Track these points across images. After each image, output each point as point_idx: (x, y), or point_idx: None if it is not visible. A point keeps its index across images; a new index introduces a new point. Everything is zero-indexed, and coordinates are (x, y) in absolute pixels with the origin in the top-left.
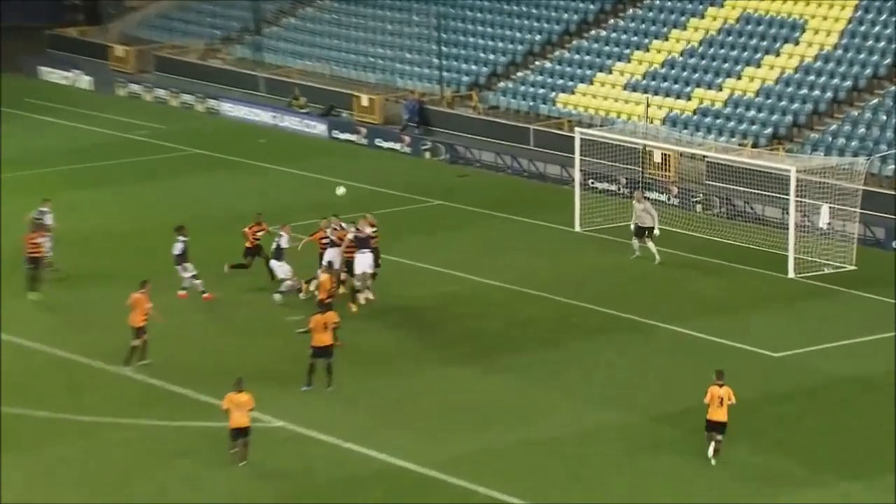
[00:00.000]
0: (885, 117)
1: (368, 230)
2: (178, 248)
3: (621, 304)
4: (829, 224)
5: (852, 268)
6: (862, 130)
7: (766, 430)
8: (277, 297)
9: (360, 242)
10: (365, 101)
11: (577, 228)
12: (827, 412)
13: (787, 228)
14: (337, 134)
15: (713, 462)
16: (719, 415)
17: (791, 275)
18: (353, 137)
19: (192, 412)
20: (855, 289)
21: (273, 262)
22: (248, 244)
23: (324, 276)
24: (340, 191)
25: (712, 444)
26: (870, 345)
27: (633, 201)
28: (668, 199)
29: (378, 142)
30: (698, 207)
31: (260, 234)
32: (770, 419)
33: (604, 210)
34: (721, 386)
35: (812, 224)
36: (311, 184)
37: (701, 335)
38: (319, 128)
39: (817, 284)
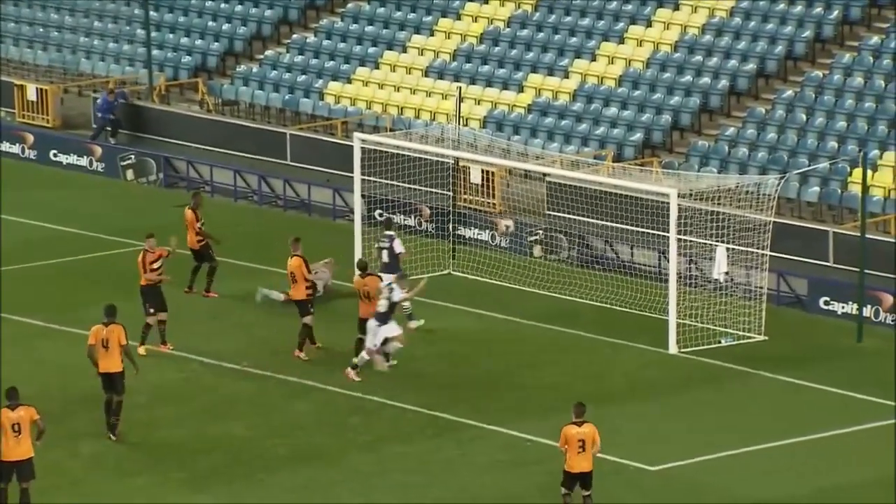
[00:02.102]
0: (803, 116)
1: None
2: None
3: (426, 398)
4: (726, 274)
5: (761, 338)
6: (772, 135)
7: None
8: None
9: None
10: (32, 93)
11: None
12: None
13: (667, 281)
14: None
15: None
16: (581, 464)
17: (672, 350)
18: (13, 149)
19: None
20: (767, 370)
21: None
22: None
23: None
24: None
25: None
26: (787, 452)
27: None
28: (494, 238)
29: (54, 155)
30: (536, 250)
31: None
32: None
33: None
34: (581, 424)
35: (703, 274)
36: None
37: (542, 440)
38: None
39: (711, 363)
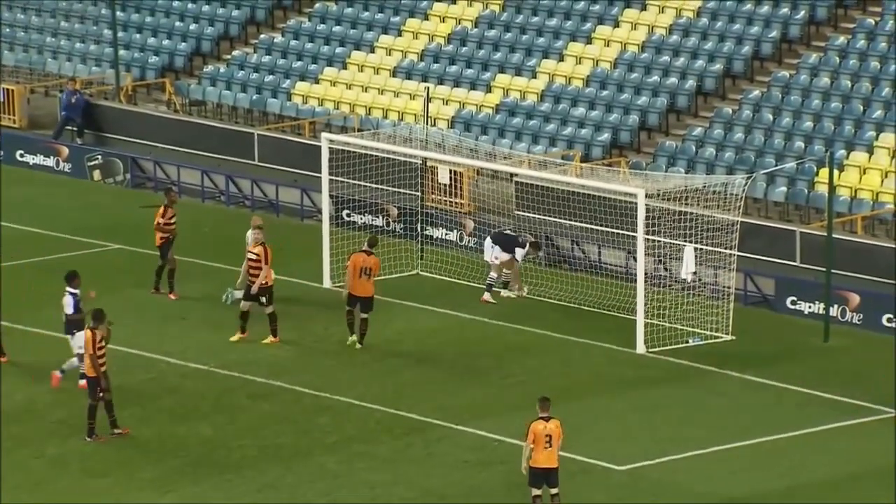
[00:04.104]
0: (770, 116)
1: None
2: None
3: (394, 398)
4: (694, 274)
5: (729, 338)
6: (739, 135)
7: None
8: None
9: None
10: None
11: (327, 284)
12: None
13: (635, 280)
14: None
15: None
16: (547, 460)
17: (641, 349)
18: None
19: None
20: (735, 369)
21: None
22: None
23: None
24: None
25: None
26: (754, 451)
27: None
28: (461, 238)
29: (20, 155)
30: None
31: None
32: None
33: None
34: (548, 420)
35: (670, 274)
36: None
37: (509, 440)
38: None
39: (679, 363)
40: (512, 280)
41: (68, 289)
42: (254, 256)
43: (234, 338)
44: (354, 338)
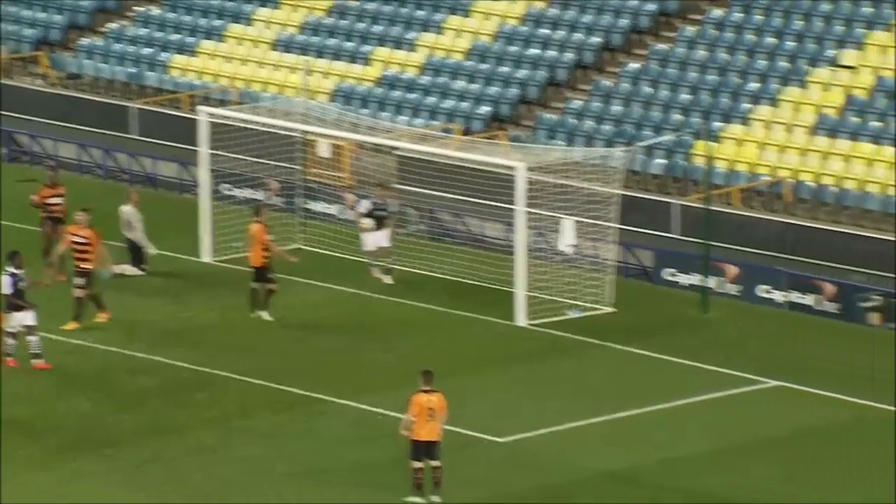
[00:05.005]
0: (649, 88)
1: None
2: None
3: (274, 373)
4: (574, 246)
5: (609, 310)
6: (617, 108)
7: None
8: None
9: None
10: None
11: (206, 258)
12: None
13: (515, 253)
14: None
15: (436, 500)
16: (429, 432)
17: (522, 322)
18: None
19: None
20: (615, 341)
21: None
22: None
23: None
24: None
25: (421, 475)
26: (634, 423)
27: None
28: (342, 212)
29: None
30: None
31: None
32: None
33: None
34: (430, 393)
35: (551, 247)
36: None
37: (392, 414)
38: None
39: (559, 335)
40: (381, 256)
41: (7, 267)
42: (82, 240)
43: (69, 326)
44: (260, 312)
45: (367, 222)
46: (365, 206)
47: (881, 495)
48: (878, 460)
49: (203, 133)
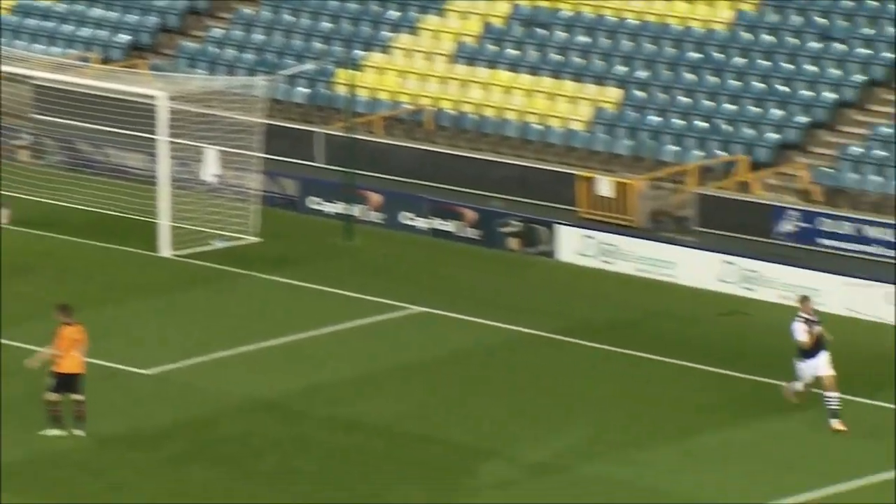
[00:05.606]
0: (291, 17)
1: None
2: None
3: None
4: (218, 176)
5: (255, 240)
6: (259, 37)
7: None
8: None
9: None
10: None
11: None
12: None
13: (158, 184)
14: None
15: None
16: (71, 366)
17: (166, 253)
18: None
19: None
20: (260, 270)
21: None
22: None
23: None
24: None
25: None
26: (281, 351)
27: None
28: None
29: None
30: (23, 154)
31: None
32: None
33: None
34: (72, 325)
35: (194, 176)
36: None
37: (28, 347)
38: None
39: (204, 266)
40: None
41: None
42: None
43: None
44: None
45: None
46: None
47: (519, 409)
48: (520, 381)
49: None
